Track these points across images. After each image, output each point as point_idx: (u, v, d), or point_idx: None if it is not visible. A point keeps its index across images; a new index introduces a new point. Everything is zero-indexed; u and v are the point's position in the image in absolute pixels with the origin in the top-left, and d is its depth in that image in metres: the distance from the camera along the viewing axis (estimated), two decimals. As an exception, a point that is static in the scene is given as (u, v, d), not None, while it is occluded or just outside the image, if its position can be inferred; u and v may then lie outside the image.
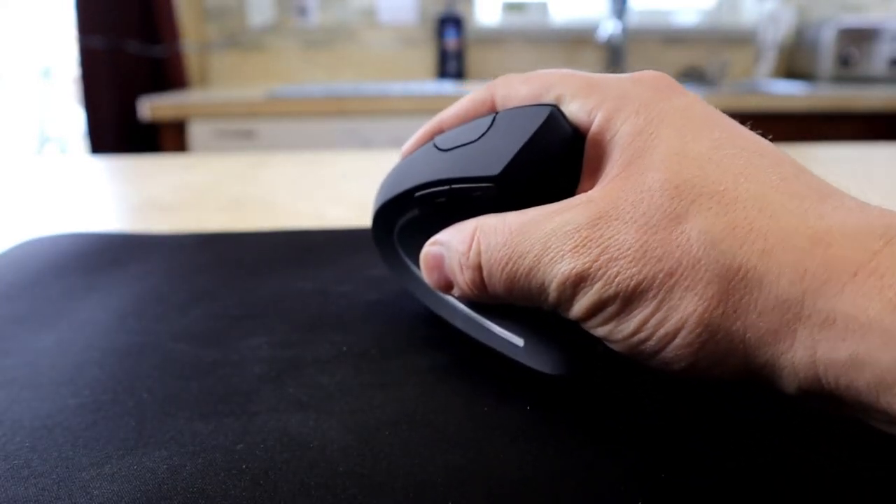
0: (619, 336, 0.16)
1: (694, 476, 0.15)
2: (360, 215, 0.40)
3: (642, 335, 0.15)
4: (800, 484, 0.15)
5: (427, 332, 0.22)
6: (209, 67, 1.89)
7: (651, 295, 0.15)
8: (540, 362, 0.19)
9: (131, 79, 1.64)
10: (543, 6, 1.88)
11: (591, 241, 0.15)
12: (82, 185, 0.49)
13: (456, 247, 0.19)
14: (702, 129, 0.16)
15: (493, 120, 0.19)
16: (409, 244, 0.23)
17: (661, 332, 0.15)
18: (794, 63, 1.89)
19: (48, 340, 0.22)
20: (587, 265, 0.15)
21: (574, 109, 0.18)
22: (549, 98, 0.19)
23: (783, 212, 0.14)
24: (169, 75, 1.68)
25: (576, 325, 0.17)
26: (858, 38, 1.69)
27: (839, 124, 1.49)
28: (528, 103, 0.19)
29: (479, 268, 0.18)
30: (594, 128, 0.18)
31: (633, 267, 0.15)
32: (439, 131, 0.22)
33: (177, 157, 0.61)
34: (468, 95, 0.22)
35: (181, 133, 1.45)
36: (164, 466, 0.15)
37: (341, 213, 0.41)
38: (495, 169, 0.18)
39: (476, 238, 0.18)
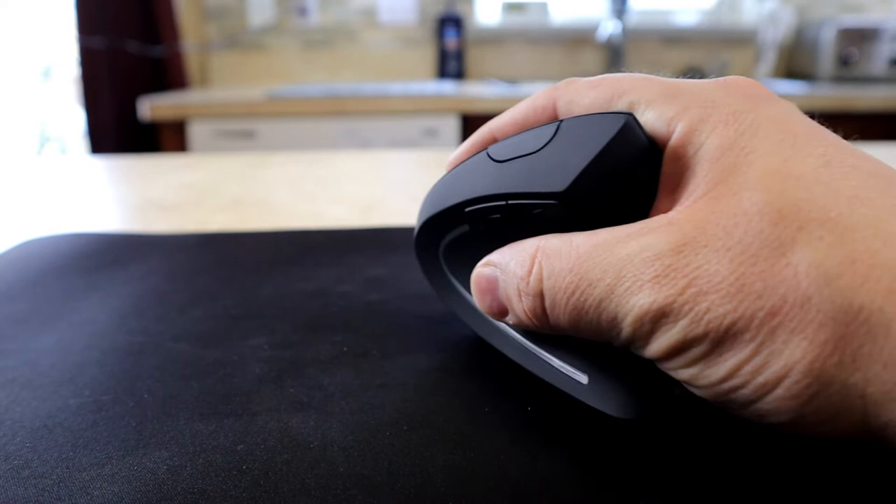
0: (706, 382, 0.14)
1: (694, 476, 0.15)
2: (360, 215, 0.40)
3: (735, 382, 0.13)
4: (800, 484, 0.15)
5: (427, 332, 0.22)
6: (209, 67, 1.89)
7: (748, 336, 0.13)
8: (606, 403, 0.16)
9: (131, 79, 1.64)
10: (543, 6, 1.88)
11: (675, 270, 0.13)
12: (82, 185, 0.49)
13: (514, 269, 0.16)
14: (805, 144, 0.14)
15: (558, 128, 0.17)
16: (457, 262, 0.21)
17: (760, 380, 0.13)
18: (794, 63, 1.89)
19: (48, 340, 0.22)
20: (670, 299, 0.13)
21: (650, 119, 0.16)
22: (620, 106, 0.17)
23: None
24: (169, 75, 1.68)
25: (650, 362, 0.15)
26: (858, 38, 1.69)
27: (839, 124, 1.47)
28: (595, 111, 0.17)
29: (540, 295, 0.16)
30: (675, 140, 0.15)
31: (727, 303, 0.13)
32: (491, 140, 0.20)
33: (177, 157, 0.61)
34: (526, 100, 0.20)
35: (181, 133, 1.45)
36: (165, 467, 0.15)
37: (341, 213, 0.41)
38: (561, 184, 0.16)
39: (538, 261, 0.16)
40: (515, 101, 1.45)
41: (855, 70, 1.70)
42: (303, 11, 1.84)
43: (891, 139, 1.48)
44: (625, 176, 0.16)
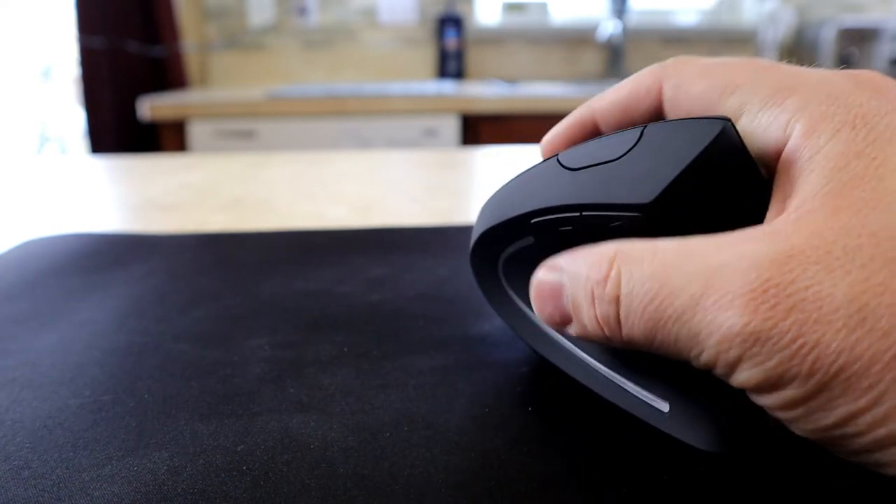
0: (809, 427, 0.12)
1: (695, 477, 0.15)
2: (360, 215, 0.40)
3: (847, 431, 0.11)
4: (801, 484, 0.15)
5: (427, 332, 0.22)
6: (209, 67, 1.89)
7: (866, 384, 0.11)
8: (690, 434, 0.15)
9: (131, 79, 1.64)
10: (543, 6, 1.88)
11: (776, 287, 0.11)
12: (82, 185, 0.49)
13: (587, 273, 0.14)
14: None
15: (641, 134, 0.15)
16: (518, 277, 0.19)
17: (881, 432, 0.11)
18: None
19: (49, 340, 0.22)
20: (768, 323, 0.11)
21: (764, 123, 0.14)
22: (730, 104, 0.15)
23: None
24: (169, 75, 1.68)
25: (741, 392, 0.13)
26: (858, 38, 1.69)
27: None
28: (702, 104, 0.16)
29: (616, 301, 0.14)
30: (791, 145, 0.13)
31: (842, 339, 0.11)
32: (591, 121, 0.19)
33: (177, 157, 0.61)
34: (630, 78, 0.18)
35: (181, 133, 1.45)
36: (165, 467, 0.15)
37: (341, 213, 0.41)
38: (646, 196, 0.14)
39: (616, 265, 0.14)
40: (516, 101, 1.45)
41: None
42: (303, 11, 1.84)
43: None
44: (718, 189, 0.14)
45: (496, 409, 0.18)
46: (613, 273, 0.14)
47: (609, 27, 1.80)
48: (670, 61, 0.17)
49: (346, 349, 0.21)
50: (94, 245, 0.32)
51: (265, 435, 0.17)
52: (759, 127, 0.14)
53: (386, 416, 0.17)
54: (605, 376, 0.17)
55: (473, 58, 1.90)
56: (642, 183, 0.14)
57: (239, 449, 0.16)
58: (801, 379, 0.11)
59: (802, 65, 0.16)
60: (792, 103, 0.14)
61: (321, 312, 0.24)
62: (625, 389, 0.16)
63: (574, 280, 0.15)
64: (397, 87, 1.54)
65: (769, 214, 0.14)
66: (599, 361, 0.17)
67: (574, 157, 0.16)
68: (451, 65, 1.81)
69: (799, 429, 0.12)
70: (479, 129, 1.47)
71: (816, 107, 0.13)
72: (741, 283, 0.11)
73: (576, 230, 0.16)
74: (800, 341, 0.11)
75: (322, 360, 0.20)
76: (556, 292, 0.15)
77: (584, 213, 0.15)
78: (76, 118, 1.79)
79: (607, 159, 0.15)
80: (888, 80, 0.14)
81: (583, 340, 0.17)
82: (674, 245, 0.13)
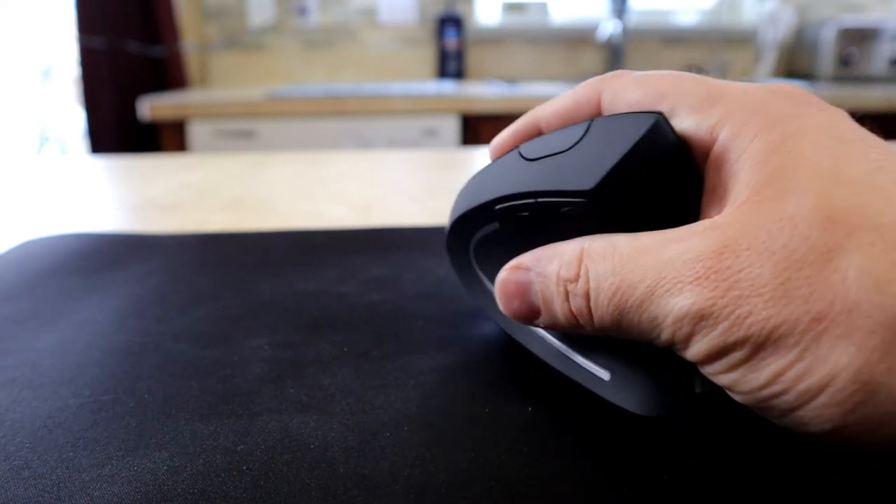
0: (747, 387, 0.13)
1: (696, 477, 0.15)
2: (360, 215, 0.40)
3: (776, 388, 0.13)
4: (801, 484, 0.15)
5: (427, 332, 0.22)
6: (209, 67, 1.89)
7: (791, 342, 0.12)
8: (626, 399, 0.17)
9: (131, 79, 1.64)
10: (543, 6, 1.88)
11: (715, 273, 0.13)
12: (82, 185, 0.49)
13: (557, 272, 0.16)
14: (856, 149, 0.14)
15: (588, 127, 0.17)
16: (487, 259, 0.21)
17: (802, 386, 0.12)
18: (794, 63, 1.89)
19: (48, 340, 0.22)
20: (710, 301, 0.13)
21: (692, 125, 0.16)
22: (662, 108, 0.17)
23: None
24: (169, 75, 1.68)
25: (670, 361, 0.15)
26: (858, 38, 1.69)
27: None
28: (637, 109, 0.17)
29: (587, 296, 0.16)
30: (717, 147, 0.15)
31: (770, 307, 0.12)
32: (535, 128, 0.20)
33: (177, 157, 0.61)
34: (572, 91, 0.20)
35: (181, 133, 1.45)
36: (165, 467, 0.15)
37: (341, 213, 0.41)
38: (589, 182, 0.16)
39: (584, 264, 0.16)
40: (516, 101, 1.45)
41: (855, 70, 1.70)
42: (303, 11, 1.85)
43: (891, 139, 1.48)
44: (653, 175, 0.16)
45: (496, 409, 0.18)
46: (583, 271, 0.16)
47: (609, 27, 1.80)
48: (608, 75, 0.19)
49: (346, 349, 0.21)
50: (94, 245, 0.32)
51: (265, 435, 0.17)
52: (687, 129, 0.16)
53: (386, 416, 0.17)
54: (557, 350, 0.19)
55: (473, 58, 1.90)
56: (587, 171, 0.16)
57: (239, 449, 0.16)
58: (739, 344, 0.13)
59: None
60: (717, 111, 0.16)
61: (321, 312, 0.24)
62: (574, 361, 0.19)
63: (544, 279, 0.17)
64: (397, 87, 1.54)
65: (705, 208, 0.15)
66: (555, 338, 0.19)
67: (532, 148, 0.18)
68: (451, 65, 1.81)
69: (739, 393, 0.14)
70: (479, 129, 1.47)
71: (739, 114, 0.15)
72: (688, 272, 0.14)
73: (533, 215, 0.18)
74: (737, 313, 0.13)
75: (322, 360, 0.21)
76: (524, 289, 0.17)
77: (538, 200, 0.17)
78: (76, 118, 1.79)
79: (559, 150, 0.17)
80: (798, 89, 0.16)
81: (548, 329, 0.19)
82: (629, 241, 0.15)
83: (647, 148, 0.15)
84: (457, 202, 0.22)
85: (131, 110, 1.61)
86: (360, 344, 0.22)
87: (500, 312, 0.21)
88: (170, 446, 0.16)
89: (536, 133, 0.21)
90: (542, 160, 0.17)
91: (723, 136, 0.15)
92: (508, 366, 0.20)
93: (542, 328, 0.19)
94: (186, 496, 0.14)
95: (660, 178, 0.16)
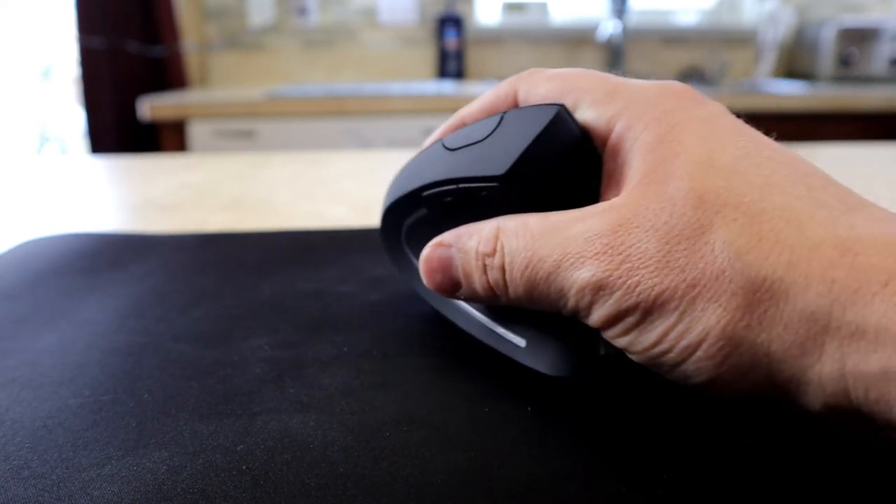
0: (640, 347, 0.15)
1: (695, 476, 0.15)
2: (360, 215, 0.40)
3: (663, 347, 0.15)
4: (801, 484, 0.15)
5: (428, 332, 0.22)
6: (209, 67, 1.89)
7: (673, 306, 0.14)
8: (539, 363, 0.19)
9: (131, 79, 1.64)
10: (543, 6, 1.88)
11: (611, 248, 0.15)
12: (82, 185, 0.49)
13: (475, 247, 0.18)
14: (726, 139, 0.16)
15: (501, 119, 0.19)
16: (417, 244, 0.23)
17: (683, 343, 0.14)
18: (794, 63, 1.89)
19: (49, 340, 0.22)
20: (607, 273, 0.15)
21: (592, 117, 0.18)
22: (568, 101, 0.19)
23: (810, 222, 0.14)
24: (169, 75, 1.68)
25: (579, 328, 0.17)
26: (858, 38, 1.69)
27: (839, 124, 1.49)
28: (547, 102, 0.19)
29: (502, 269, 0.17)
30: (614, 137, 0.17)
31: (655, 277, 0.14)
32: (462, 126, 0.22)
33: (177, 157, 0.61)
34: (492, 89, 0.21)
35: (181, 133, 1.45)
36: (165, 467, 0.15)
37: (341, 213, 0.41)
38: (501, 168, 0.17)
39: (500, 240, 0.18)
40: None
41: (855, 70, 1.70)
42: (303, 11, 1.85)
43: (891, 139, 1.48)
44: (557, 161, 0.18)
45: (496, 409, 0.18)
46: (499, 247, 0.18)
47: (609, 27, 1.80)
48: (523, 73, 0.21)
49: (345, 349, 0.21)
50: (94, 245, 0.32)
51: (265, 435, 0.17)
52: (588, 120, 0.18)
53: (385, 415, 0.17)
54: (478, 321, 0.21)
55: (473, 58, 1.90)
56: (499, 158, 0.18)
57: (239, 448, 0.16)
58: (631, 310, 0.15)
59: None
60: (615, 105, 0.18)
61: (321, 312, 0.24)
62: (493, 331, 0.20)
63: (464, 254, 0.19)
64: (397, 87, 1.54)
65: (605, 190, 0.17)
66: (478, 311, 0.21)
67: (454, 139, 0.20)
68: (451, 65, 1.81)
69: (634, 353, 0.16)
70: (479, 129, 1.47)
71: (633, 108, 0.17)
72: (589, 248, 0.15)
73: (456, 200, 0.19)
74: (628, 283, 0.15)
75: (322, 360, 0.21)
76: (446, 264, 0.19)
77: (459, 186, 0.19)
78: (76, 118, 1.79)
79: (476, 140, 0.19)
80: (686, 88, 0.18)
81: (468, 301, 0.21)
82: (539, 220, 0.17)
83: (551, 136, 0.17)
84: (388, 192, 0.23)
85: (131, 110, 1.61)
86: (360, 344, 0.22)
87: (427, 290, 0.22)
88: (169, 446, 0.16)
89: None
90: (461, 150, 0.19)
91: (618, 127, 0.17)
92: (508, 365, 0.20)
93: (463, 300, 0.21)
94: (186, 496, 0.14)
95: (563, 163, 0.18)
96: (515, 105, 0.21)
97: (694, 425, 0.17)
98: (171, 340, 0.22)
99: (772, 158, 0.15)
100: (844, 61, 1.70)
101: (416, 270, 0.23)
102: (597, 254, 0.15)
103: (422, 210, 0.21)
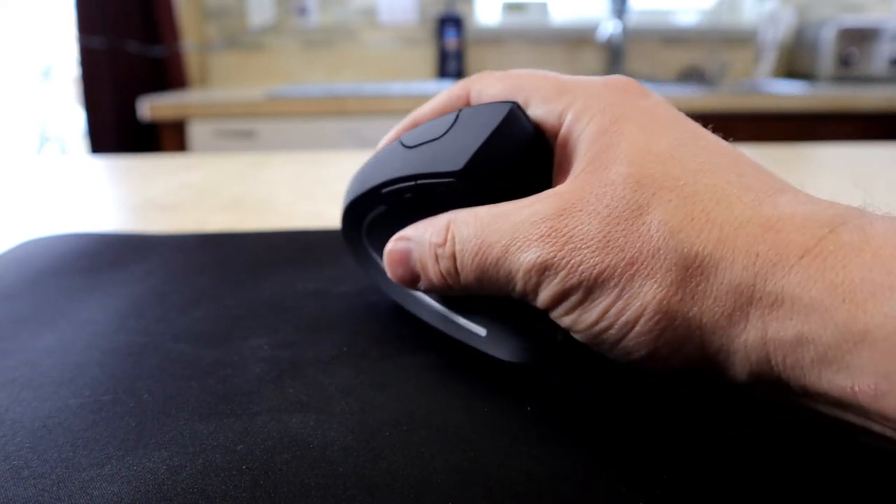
0: (583, 325, 0.16)
1: (695, 476, 0.15)
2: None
3: (604, 324, 0.15)
4: (800, 483, 0.15)
5: (427, 332, 0.22)
6: (209, 67, 1.89)
7: (613, 283, 0.15)
8: (500, 350, 0.19)
9: (131, 79, 1.64)
10: (543, 6, 1.88)
11: (556, 231, 0.16)
12: (82, 185, 0.49)
13: (430, 239, 0.19)
14: (665, 129, 0.17)
15: (457, 117, 0.19)
16: (378, 240, 0.23)
17: (623, 319, 0.15)
18: (794, 63, 1.89)
19: (48, 340, 0.22)
20: (551, 254, 0.16)
21: (543, 112, 0.19)
22: (519, 99, 0.19)
23: (738, 203, 0.15)
24: (169, 75, 1.68)
25: (536, 316, 0.17)
26: (858, 38, 1.69)
27: (839, 124, 1.49)
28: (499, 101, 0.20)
29: (453, 257, 0.18)
30: (563, 130, 0.18)
31: (596, 256, 0.15)
32: (414, 126, 0.23)
33: (177, 157, 0.61)
34: (445, 91, 0.22)
35: (181, 133, 1.45)
36: (164, 467, 0.15)
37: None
38: (457, 164, 0.18)
39: (451, 230, 0.18)
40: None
41: (855, 70, 1.70)
42: (303, 11, 1.84)
43: (891, 139, 1.48)
44: (511, 156, 0.18)
45: (496, 409, 0.18)
46: (450, 236, 0.18)
47: (609, 27, 1.80)
48: (475, 75, 0.22)
49: (345, 349, 0.21)
50: (94, 245, 0.32)
51: (265, 434, 0.17)
52: (540, 116, 0.19)
53: (385, 415, 0.17)
54: (440, 313, 0.21)
55: (473, 58, 1.90)
56: (456, 154, 0.18)
57: (238, 448, 0.16)
58: (575, 288, 0.16)
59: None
60: (564, 100, 0.18)
61: (321, 312, 0.24)
62: (454, 321, 0.21)
63: (420, 246, 0.19)
64: (397, 87, 1.54)
65: (556, 180, 0.18)
66: (439, 303, 0.22)
67: (411, 137, 0.20)
68: (451, 65, 1.81)
69: (578, 332, 0.16)
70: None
71: (580, 102, 0.18)
72: (534, 232, 0.16)
73: (415, 196, 0.20)
74: (572, 262, 0.15)
75: (321, 360, 0.21)
76: (406, 257, 0.20)
77: (418, 182, 0.20)
78: (76, 118, 1.79)
79: (433, 137, 0.19)
80: (630, 82, 0.19)
81: (428, 292, 0.21)
82: (489, 210, 0.18)
83: (505, 132, 0.18)
84: (348, 190, 0.24)
85: (131, 110, 1.61)
86: (359, 343, 0.22)
87: (390, 285, 0.23)
88: (169, 446, 0.16)
89: None
90: (419, 147, 0.20)
91: (567, 121, 0.18)
92: (508, 365, 0.20)
93: (424, 292, 0.22)
94: (186, 495, 0.14)
95: (516, 158, 0.19)
96: (468, 105, 0.21)
97: (693, 425, 0.17)
98: (171, 340, 0.22)
99: (707, 147, 0.16)
100: (844, 61, 1.70)
101: (377, 266, 0.24)
102: (541, 236, 0.16)
103: (382, 206, 0.22)
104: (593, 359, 0.18)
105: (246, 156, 0.61)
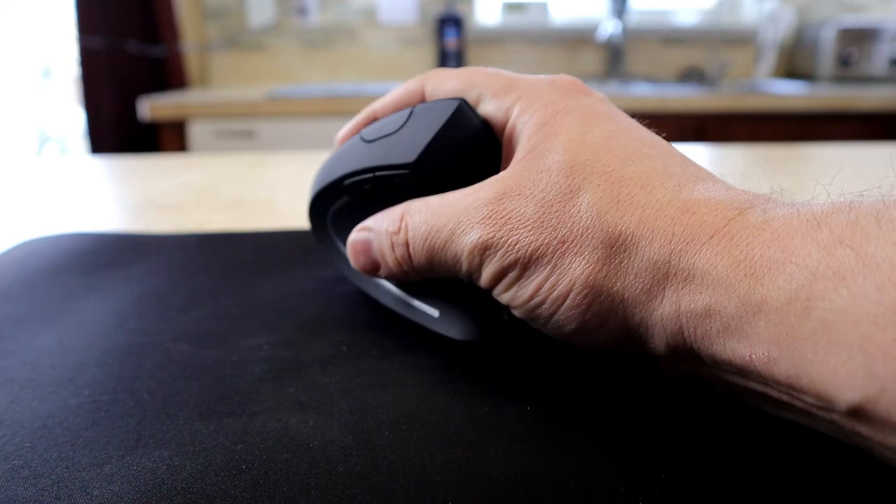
0: (520, 301, 0.17)
1: (694, 475, 0.15)
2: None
3: (538, 299, 0.17)
4: (799, 483, 0.15)
5: (427, 332, 0.22)
6: (209, 67, 1.89)
7: (546, 260, 0.16)
8: (451, 330, 0.21)
9: (131, 79, 1.64)
10: (543, 6, 1.88)
11: (496, 213, 0.17)
12: (82, 185, 0.49)
13: (386, 228, 0.20)
14: (600, 122, 0.18)
15: (411, 113, 0.21)
16: (342, 230, 0.24)
17: (554, 294, 0.16)
18: (794, 63, 1.89)
19: (48, 340, 0.22)
20: (491, 234, 0.17)
21: (492, 108, 0.20)
22: (471, 95, 0.21)
23: (660, 188, 0.16)
24: (169, 75, 1.68)
25: (484, 297, 0.19)
26: (858, 38, 1.69)
27: (839, 124, 1.48)
28: (452, 97, 0.21)
29: (406, 244, 0.20)
30: (510, 124, 0.20)
31: (531, 235, 0.17)
32: (373, 118, 0.24)
33: (177, 157, 0.61)
34: (402, 86, 0.23)
35: (181, 133, 1.45)
36: (164, 467, 0.15)
37: (341, 213, 0.40)
38: (410, 157, 0.20)
39: (404, 219, 0.20)
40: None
41: (855, 70, 1.70)
42: (303, 11, 1.84)
43: (891, 139, 1.48)
44: (460, 148, 0.20)
45: (496, 409, 0.18)
46: (403, 224, 0.20)
47: (609, 27, 1.80)
48: (430, 72, 0.23)
49: (344, 348, 0.21)
50: (94, 245, 0.32)
51: (264, 434, 0.17)
52: (490, 111, 0.20)
53: (385, 415, 0.17)
54: (401, 298, 0.23)
55: (473, 58, 1.90)
56: (410, 147, 0.20)
57: (238, 448, 0.16)
58: (512, 266, 0.17)
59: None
60: (511, 96, 0.20)
61: (320, 312, 0.24)
62: (410, 304, 0.23)
63: (378, 235, 0.21)
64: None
65: (502, 169, 0.19)
66: (397, 288, 0.23)
67: (370, 132, 0.22)
68: (451, 65, 1.81)
69: (516, 307, 0.18)
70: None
71: (526, 98, 0.20)
72: (477, 215, 0.18)
73: (373, 187, 0.21)
74: (510, 241, 0.17)
75: (321, 360, 0.21)
76: (367, 247, 0.21)
77: (376, 174, 0.21)
78: (76, 118, 1.79)
79: (390, 132, 0.21)
80: (573, 80, 0.20)
81: (389, 279, 0.22)
82: (439, 199, 0.19)
83: (454, 126, 0.20)
84: (314, 183, 0.25)
85: (131, 110, 1.61)
86: (359, 343, 0.22)
87: (354, 274, 0.25)
88: (169, 446, 0.16)
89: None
90: (377, 141, 0.21)
91: (513, 115, 0.20)
92: (507, 365, 0.20)
93: (385, 279, 0.23)
94: (186, 495, 0.14)
95: (465, 150, 0.20)
96: (423, 100, 0.22)
97: (693, 425, 0.17)
98: (170, 340, 0.22)
99: (638, 139, 0.18)
100: (844, 61, 1.70)
101: (342, 255, 0.25)
102: (483, 219, 0.17)
103: (344, 197, 0.23)
104: (535, 336, 0.19)
105: (246, 156, 0.61)
